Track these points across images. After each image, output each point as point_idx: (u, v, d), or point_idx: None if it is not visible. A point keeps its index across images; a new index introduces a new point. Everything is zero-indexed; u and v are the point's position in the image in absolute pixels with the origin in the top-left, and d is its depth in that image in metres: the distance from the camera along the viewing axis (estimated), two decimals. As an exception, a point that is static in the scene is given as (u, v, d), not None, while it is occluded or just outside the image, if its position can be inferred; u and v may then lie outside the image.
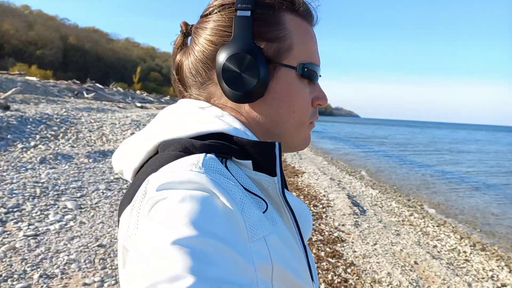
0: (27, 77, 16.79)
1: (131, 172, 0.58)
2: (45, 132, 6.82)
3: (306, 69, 0.60)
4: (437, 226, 5.85)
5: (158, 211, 0.42)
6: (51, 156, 5.42)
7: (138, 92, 25.26)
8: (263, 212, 0.51)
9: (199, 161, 0.49)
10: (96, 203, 4.20)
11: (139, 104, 17.27)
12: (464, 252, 4.82)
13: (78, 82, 19.93)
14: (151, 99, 22.69)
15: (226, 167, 0.52)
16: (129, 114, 11.05)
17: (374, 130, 53.65)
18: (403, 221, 5.89)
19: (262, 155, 0.54)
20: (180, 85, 0.66)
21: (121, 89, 22.98)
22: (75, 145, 6.50)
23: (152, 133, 0.59)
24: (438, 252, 4.67)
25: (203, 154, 0.51)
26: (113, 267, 2.98)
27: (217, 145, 0.53)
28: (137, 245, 0.39)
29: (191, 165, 0.47)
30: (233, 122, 0.59)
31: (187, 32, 0.64)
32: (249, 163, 0.54)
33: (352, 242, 4.56)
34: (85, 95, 16.48)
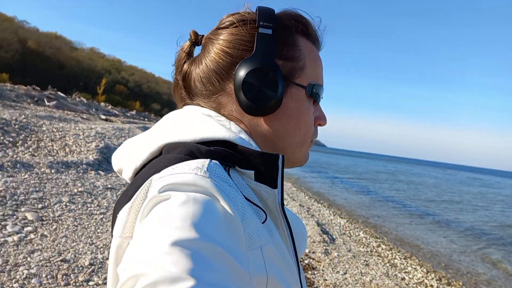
0: (-17, 79, 15.69)
1: (131, 172, 0.59)
2: (2, 138, 6.31)
3: (314, 90, 0.63)
4: (404, 259, 5.94)
5: (160, 211, 0.42)
6: (9, 163, 4.99)
7: (102, 104, 24.43)
8: (262, 223, 0.51)
9: (204, 165, 0.49)
10: (58, 216, 3.86)
11: (103, 117, 16.64)
12: (431, 285, 4.90)
13: (38, 88, 18.90)
14: (116, 112, 21.97)
15: (229, 174, 0.53)
16: (93, 126, 10.56)
17: (338, 160, 54.97)
18: (371, 251, 5.93)
19: (266, 166, 0.55)
20: (184, 92, 0.67)
21: (84, 100, 22.12)
22: (35, 154, 6.05)
23: (156, 134, 0.60)
24: (407, 284, 4.71)
25: (208, 159, 0.52)
26: (77, 284, 2.71)
27: (222, 152, 0.54)
28: (137, 244, 0.39)
29: (196, 169, 0.48)
30: (239, 131, 0.60)
31: (197, 41, 0.66)
32: (251, 173, 0.55)
33: (323, 270, 4.50)
34: (46, 103, 15.61)
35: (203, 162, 0.50)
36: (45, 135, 7.36)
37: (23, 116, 8.80)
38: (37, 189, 4.40)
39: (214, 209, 0.43)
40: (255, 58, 0.59)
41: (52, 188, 4.62)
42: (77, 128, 9.31)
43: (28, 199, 4.01)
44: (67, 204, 4.27)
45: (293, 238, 0.58)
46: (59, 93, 20.07)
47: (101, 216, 4.24)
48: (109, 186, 5.51)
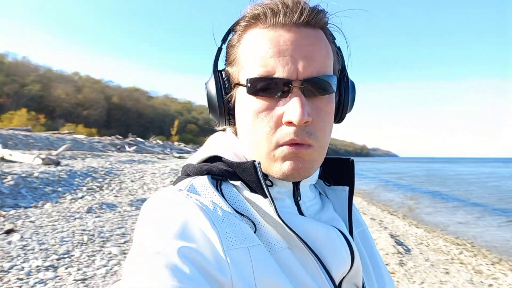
0: (75, 135, 18.08)
1: None
2: (91, 184, 7.22)
3: (250, 85, 0.54)
4: (492, 264, 5.46)
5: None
6: (96, 205, 5.71)
7: (176, 143, 26.38)
8: (254, 232, 0.52)
9: (187, 185, 0.55)
10: (139, 248, 4.32)
11: (177, 155, 17.93)
12: (525, 290, 4.45)
13: (120, 137, 21.16)
14: (188, 149, 23.59)
15: (219, 188, 0.56)
16: (168, 164, 11.46)
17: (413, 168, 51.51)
18: (452, 259, 5.55)
19: (247, 175, 0.54)
20: None
21: (160, 142, 24.12)
22: (118, 195, 6.80)
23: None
24: (495, 291, 4.34)
25: (193, 177, 0.57)
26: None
27: (210, 168, 0.58)
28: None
29: (180, 188, 0.54)
30: (226, 145, 0.62)
31: None
32: (240, 183, 0.56)
33: (398, 282, 4.35)
34: (127, 149, 17.35)
35: (188, 181, 0.55)
36: (126, 177, 8.24)
37: (107, 163, 9.91)
38: (119, 225, 4.97)
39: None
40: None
41: (132, 223, 5.17)
42: (153, 167, 10.19)
43: (113, 235, 4.55)
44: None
45: (314, 252, 0.53)
46: (138, 138, 22.17)
47: (175, 244, 4.63)
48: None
